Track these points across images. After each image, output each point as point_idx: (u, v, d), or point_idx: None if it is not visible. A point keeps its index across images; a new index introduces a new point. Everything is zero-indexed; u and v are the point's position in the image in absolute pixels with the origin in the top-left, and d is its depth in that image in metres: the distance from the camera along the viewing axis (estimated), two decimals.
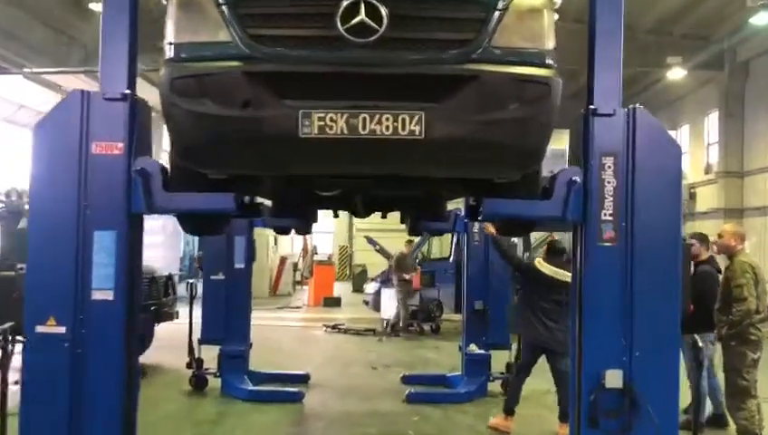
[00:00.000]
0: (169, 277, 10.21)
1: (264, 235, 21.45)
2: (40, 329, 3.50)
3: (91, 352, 3.55)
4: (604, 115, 3.70)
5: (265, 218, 8.09)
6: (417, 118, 3.14)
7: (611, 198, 3.67)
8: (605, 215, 3.67)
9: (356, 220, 29.22)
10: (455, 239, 14.63)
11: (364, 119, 3.12)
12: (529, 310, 6.59)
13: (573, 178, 3.70)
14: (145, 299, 9.22)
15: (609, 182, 3.67)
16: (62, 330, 3.51)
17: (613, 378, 3.64)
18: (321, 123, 3.11)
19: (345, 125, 3.12)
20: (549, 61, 3.37)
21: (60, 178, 3.53)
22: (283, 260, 22.85)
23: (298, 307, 19.27)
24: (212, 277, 8.36)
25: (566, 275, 5.59)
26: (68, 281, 3.54)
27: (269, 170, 3.99)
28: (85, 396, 3.54)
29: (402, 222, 9.08)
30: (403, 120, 3.14)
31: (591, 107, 3.74)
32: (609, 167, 3.67)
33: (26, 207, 9.10)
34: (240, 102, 3.13)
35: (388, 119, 3.13)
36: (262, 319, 16.03)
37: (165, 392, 8.36)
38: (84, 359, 3.54)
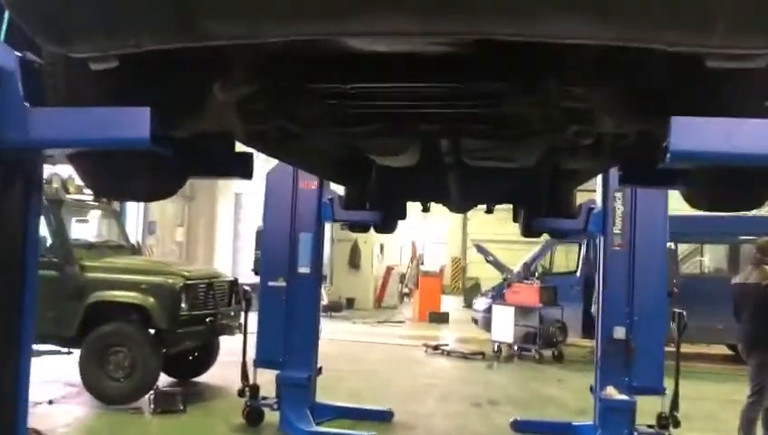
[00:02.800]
0: (234, 283, 8.64)
1: (369, 241, 19.94)
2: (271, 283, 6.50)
3: None
4: None
5: (337, 211, 6.40)
6: None
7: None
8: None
9: (471, 229, 27.08)
10: (583, 249, 12.37)
11: None
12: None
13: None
14: (200, 308, 7.70)
15: (618, 208, 6.21)
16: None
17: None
18: None
19: None
20: None
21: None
22: (389, 270, 21.11)
23: (401, 322, 17.39)
24: (270, 284, 6.65)
25: None
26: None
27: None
28: None
29: (515, 220, 6.98)
30: None
31: None
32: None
33: (66, 196, 8.04)
34: None
35: None
36: (358, 334, 14.49)
37: (212, 424, 6.73)
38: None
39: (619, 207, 6.23)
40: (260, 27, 1.45)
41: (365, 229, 6.74)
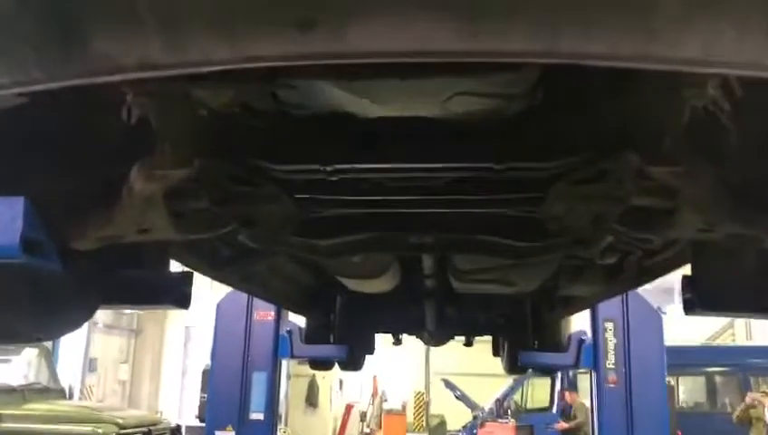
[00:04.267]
0: (177, 430, 7.58)
1: (328, 377, 18.74)
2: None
3: None
4: None
5: (296, 345, 5.67)
6: None
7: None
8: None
9: (433, 361, 26.00)
10: (558, 383, 11.63)
11: None
12: None
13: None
14: None
15: (610, 340, 5.73)
16: None
17: None
18: None
19: None
20: None
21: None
22: (349, 408, 19.75)
23: None
24: (217, 433, 5.71)
25: None
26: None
27: None
28: None
29: (496, 354, 6.34)
30: None
31: None
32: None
33: None
34: None
35: None
36: None
37: None
38: None
39: (611, 339, 5.62)
40: (196, 42, 0.84)
41: (328, 367, 5.98)
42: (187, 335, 19.18)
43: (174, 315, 19.49)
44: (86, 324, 17.05)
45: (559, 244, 2.10)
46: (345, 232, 2.04)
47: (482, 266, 2.79)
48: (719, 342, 17.76)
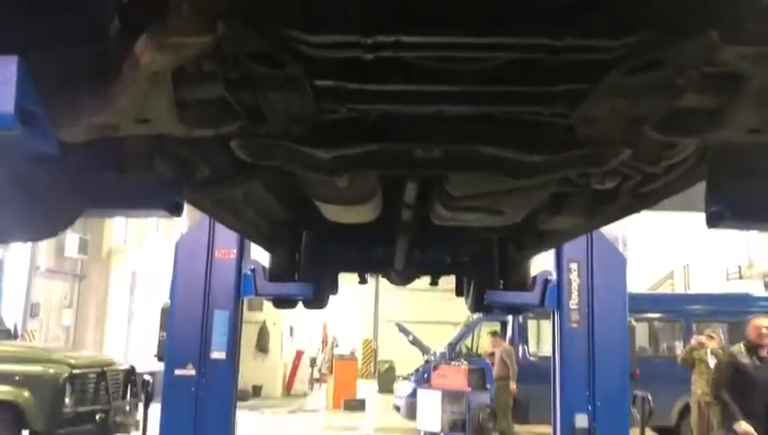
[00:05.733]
0: (131, 371, 7.39)
1: (278, 323, 18.69)
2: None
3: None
4: None
5: (260, 283, 5.54)
6: None
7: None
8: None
9: (382, 309, 26.24)
10: (509, 328, 11.87)
11: None
12: None
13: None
14: (89, 403, 6.46)
15: (574, 280, 5.76)
16: None
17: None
18: None
19: None
20: None
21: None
22: (299, 354, 19.80)
23: (314, 411, 16.10)
24: (177, 372, 5.57)
25: None
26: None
27: None
28: None
29: (459, 294, 6.34)
30: None
31: None
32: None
33: None
34: None
35: None
36: (270, 425, 13.09)
37: None
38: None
39: (575, 280, 5.67)
40: None
41: (292, 305, 5.86)
42: (133, 281, 18.77)
43: (119, 260, 19.01)
44: (26, 268, 16.43)
45: (572, 159, 2.01)
46: (351, 141, 1.90)
47: (476, 192, 2.70)
48: (660, 290, 18.45)
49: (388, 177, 2.98)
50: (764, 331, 5.38)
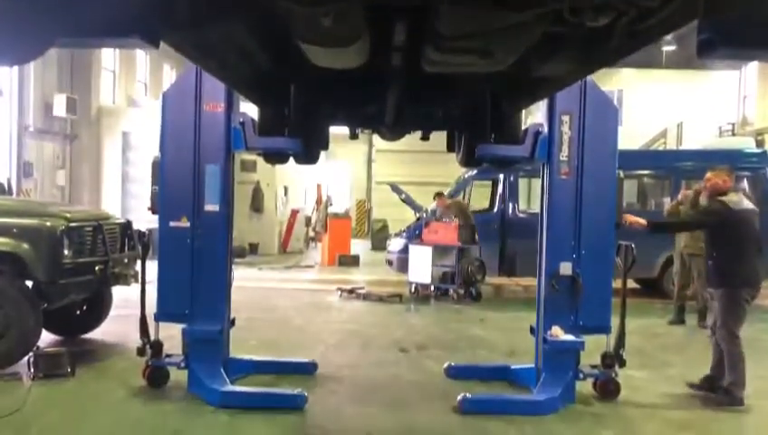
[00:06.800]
0: (128, 225, 7.52)
1: (272, 183, 18.85)
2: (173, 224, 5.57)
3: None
4: None
5: (250, 137, 5.51)
6: None
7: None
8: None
9: (376, 170, 26.39)
10: (499, 186, 12.00)
11: None
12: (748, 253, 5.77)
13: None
14: (87, 254, 6.62)
15: (565, 133, 5.54)
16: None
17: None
18: None
19: None
20: None
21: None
22: (294, 213, 20.16)
23: (310, 266, 16.64)
24: (171, 224, 5.67)
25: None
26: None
27: None
28: None
29: (450, 149, 6.33)
30: None
31: None
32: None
33: None
34: None
35: None
36: (267, 280, 13.60)
37: (107, 389, 5.76)
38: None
39: (567, 132, 5.64)
40: None
41: (283, 160, 5.87)
42: (125, 142, 18.65)
43: (110, 122, 18.79)
44: (15, 127, 16.19)
45: None
46: None
47: (466, 31, 2.62)
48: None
49: (376, 19, 2.87)
50: (726, 177, 5.99)
